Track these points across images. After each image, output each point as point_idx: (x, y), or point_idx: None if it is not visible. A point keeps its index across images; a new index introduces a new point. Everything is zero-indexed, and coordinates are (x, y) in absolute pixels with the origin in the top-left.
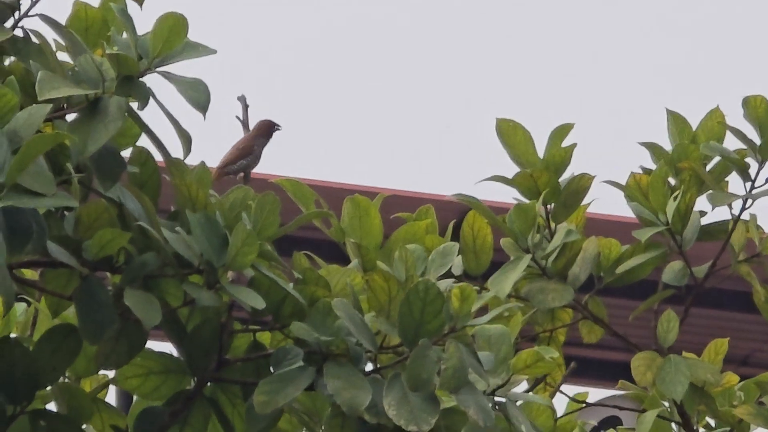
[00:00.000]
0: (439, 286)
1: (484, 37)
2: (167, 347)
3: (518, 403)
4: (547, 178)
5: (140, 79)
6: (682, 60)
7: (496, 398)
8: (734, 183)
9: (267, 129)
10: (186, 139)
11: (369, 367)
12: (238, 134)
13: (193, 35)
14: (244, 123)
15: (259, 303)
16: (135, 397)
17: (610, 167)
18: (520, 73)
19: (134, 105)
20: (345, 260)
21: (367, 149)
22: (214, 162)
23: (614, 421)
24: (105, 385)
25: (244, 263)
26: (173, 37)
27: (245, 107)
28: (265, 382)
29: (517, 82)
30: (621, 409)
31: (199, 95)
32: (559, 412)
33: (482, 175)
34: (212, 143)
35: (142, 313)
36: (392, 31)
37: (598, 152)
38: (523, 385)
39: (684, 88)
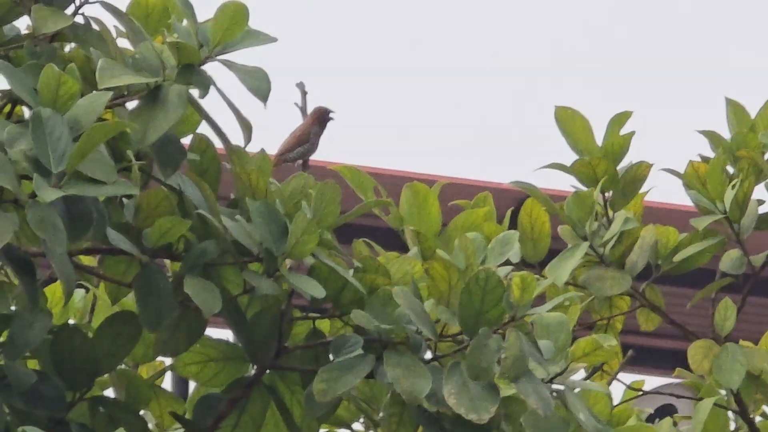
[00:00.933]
0: (499, 274)
1: (541, 27)
2: (226, 334)
3: (576, 390)
4: (605, 166)
5: (201, 67)
6: (738, 49)
7: (555, 386)
8: None
9: (322, 116)
10: (246, 127)
11: (429, 355)
12: (296, 121)
13: (253, 22)
14: (303, 110)
15: (319, 292)
16: (193, 384)
17: (668, 155)
18: (579, 61)
19: (195, 93)
20: (403, 248)
21: (425, 136)
22: (273, 149)
23: (670, 409)
24: (162, 372)
25: (303, 252)
26: (234, 25)
27: (304, 94)
28: (324, 369)
29: (574, 71)
30: (678, 397)
31: (259, 84)
32: (616, 400)
33: (540, 162)
34: (272, 130)
35: (202, 301)
36: (450, 21)
37: (657, 140)
38: (581, 373)
39: (742, 77)
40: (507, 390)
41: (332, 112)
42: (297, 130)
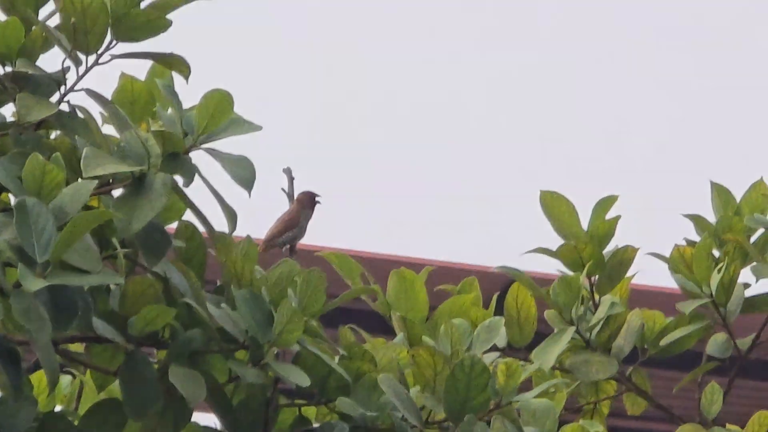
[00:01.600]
0: (485, 360)
1: (525, 110)
2: (213, 418)
3: None
4: (591, 250)
5: (186, 155)
6: (726, 132)
7: None
8: None
9: (309, 201)
10: (231, 216)
11: None
12: (283, 206)
13: (239, 109)
14: (290, 195)
15: (304, 380)
16: None
17: (654, 239)
18: (565, 145)
19: (179, 180)
20: (390, 332)
21: (411, 221)
22: (259, 234)
23: None
24: None
25: (289, 340)
26: (219, 113)
27: (291, 179)
28: None
29: (561, 154)
30: None
31: (244, 172)
32: None
33: (526, 246)
34: (258, 215)
35: (187, 391)
36: (432, 104)
37: (642, 224)
38: None
39: (728, 160)
40: None
41: (318, 196)
42: (285, 215)
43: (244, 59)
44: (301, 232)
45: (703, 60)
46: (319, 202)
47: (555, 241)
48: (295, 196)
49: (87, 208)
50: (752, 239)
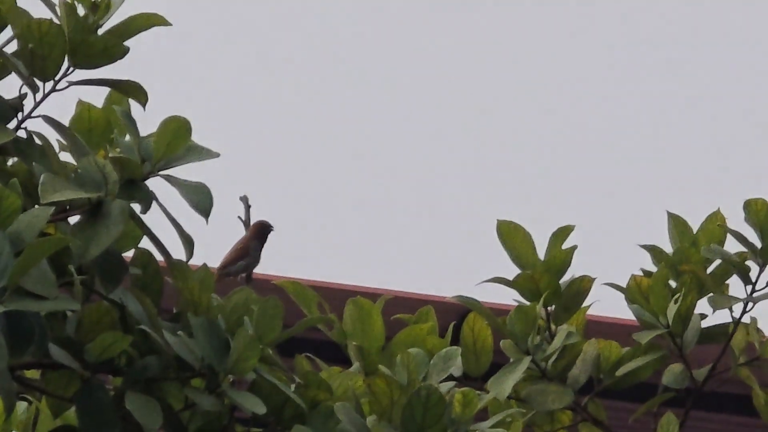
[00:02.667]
0: (441, 390)
1: (481, 139)
2: None
3: None
4: (548, 280)
5: (143, 182)
6: (684, 160)
7: None
8: (735, 286)
9: (262, 230)
10: (188, 242)
11: None
12: (240, 234)
13: (197, 136)
14: (246, 223)
15: (260, 408)
16: None
17: (610, 269)
18: (520, 173)
19: (137, 207)
20: (346, 361)
21: (366, 250)
22: (215, 262)
23: None
24: None
25: (245, 368)
26: (177, 140)
27: (247, 207)
28: None
29: (516, 182)
30: None
31: (202, 199)
32: None
33: (482, 276)
34: (215, 243)
35: (143, 418)
36: (389, 133)
37: (599, 253)
38: None
39: (685, 189)
40: None
41: (271, 226)
42: (237, 243)
43: (203, 84)
44: (254, 261)
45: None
46: (271, 231)
47: (511, 271)
48: (251, 224)
49: (43, 234)
50: (709, 270)
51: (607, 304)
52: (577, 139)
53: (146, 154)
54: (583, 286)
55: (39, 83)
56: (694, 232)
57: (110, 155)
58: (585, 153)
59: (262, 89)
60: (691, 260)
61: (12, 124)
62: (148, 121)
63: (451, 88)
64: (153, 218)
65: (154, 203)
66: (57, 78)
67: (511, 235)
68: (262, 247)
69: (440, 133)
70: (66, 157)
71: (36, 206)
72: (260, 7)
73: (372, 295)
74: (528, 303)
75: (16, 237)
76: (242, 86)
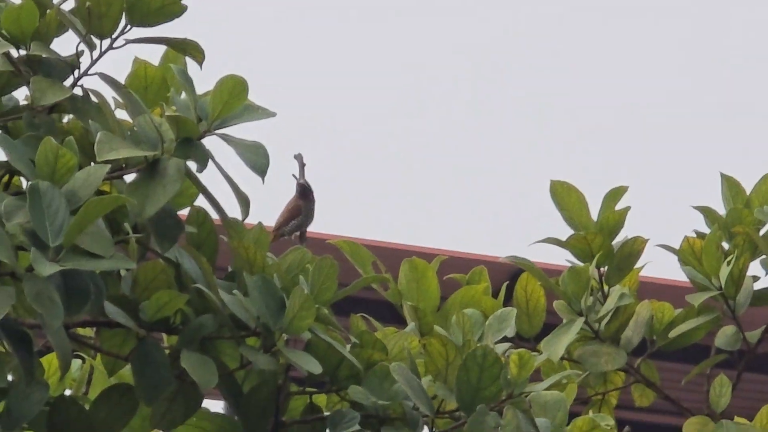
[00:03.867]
0: (496, 351)
1: (536, 98)
2: (223, 404)
3: None
4: (601, 241)
5: (199, 140)
6: (736, 122)
7: None
8: None
9: (303, 191)
10: (244, 201)
11: (426, 431)
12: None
13: (254, 95)
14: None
15: (316, 368)
16: None
17: (663, 231)
18: (576, 135)
19: (192, 166)
20: (401, 321)
21: (420, 210)
22: (271, 221)
23: None
24: None
25: (301, 327)
26: (233, 99)
27: (302, 165)
28: None
29: (571, 145)
30: None
31: (258, 159)
32: None
33: (535, 236)
34: (271, 202)
35: (199, 376)
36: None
37: (652, 215)
38: None
39: (739, 151)
40: None
41: (308, 186)
42: (288, 204)
43: (260, 44)
44: (306, 220)
45: (715, 49)
46: (310, 192)
47: (564, 232)
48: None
49: (100, 192)
50: (762, 231)
51: (660, 265)
52: (632, 100)
53: (202, 113)
54: (636, 247)
55: (96, 41)
56: (748, 193)
57: (166, 114)
58: (640, 114)
59: (321, 48)
60: (744, 222)
61: (68, 82)
62: (204, 80)
63: (505, 50)
64: (209, 177)
65: (210, 162)
66: (114, 36)
67: (565, 196)
68: (312, 206)
69: (494, 93)
70: (122, 115)
71: (92, 164)
72: None
73: (426, 255)
74: (581, 264)
75: (72, 195)
76: (298, 45)
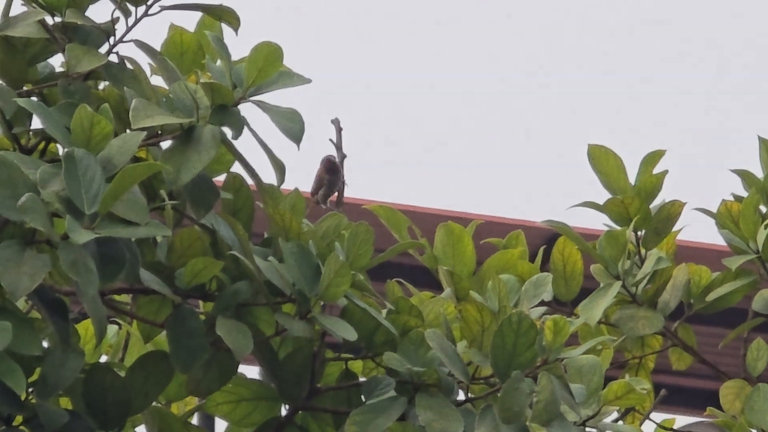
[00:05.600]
0: (532, 316)
1: (574, 63)
2: (258, 370)
3: None
4: (638, 205)
5: (234, 107)
6: None
7: (587, 429)
8: None
9: (326, 164)
10: (279, 168)
11: (461, 397)
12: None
13: (289, 61)
14: (338, 147)
15: (351, 334)
16: (219, 421)
17: (701, 194)
18: (613, 100)
19: (228, 132)
20: (437, 286)
21: (456, 175)
22: (307, 187)
23: None
24: (195, 410)
25: (336, 294)
26: (268, 66)
27: (339, 130)
28: (356, 412)
29: (608, 109)
30: None
31: (293, 125)
32: None
33: (573, 200)
34: (306, 167)
35: (234, 343)
36: (477, 62)
37: (690, 178)
38: (613, 414)
39: None
40: None
41: (332, 159)
42: (318, 171)
43: (294, 12)
44: (329, 191)
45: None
46: (331, 164)
47: (601, 196)
48: (343, 147)
49: (135, 159)
50: None
51: (697, 229)
52: (671, 66)
53: (237, 80)
54: (673, 211)
55: (131, 7)
56: None
57: (201, 80)
58: (676, 78)
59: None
60: None
61: (104, 49)
62: (239, 46)
63: (548, 16)
64: (244, 144)
65: (245, 128)
66: (149, 2)
67: (602, 160)
68: (335, 178)
69: (532, 58)
70: (157, 81)
71: (127, 131)
72: None
73: (462, 219)
74: (618, 228)
75: (107, 162)
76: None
